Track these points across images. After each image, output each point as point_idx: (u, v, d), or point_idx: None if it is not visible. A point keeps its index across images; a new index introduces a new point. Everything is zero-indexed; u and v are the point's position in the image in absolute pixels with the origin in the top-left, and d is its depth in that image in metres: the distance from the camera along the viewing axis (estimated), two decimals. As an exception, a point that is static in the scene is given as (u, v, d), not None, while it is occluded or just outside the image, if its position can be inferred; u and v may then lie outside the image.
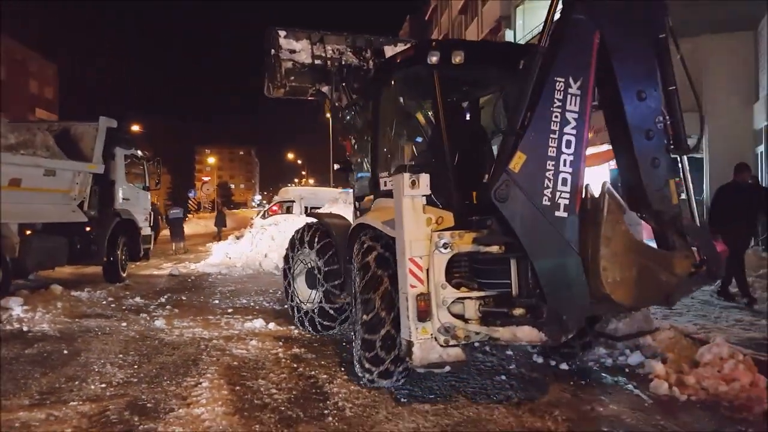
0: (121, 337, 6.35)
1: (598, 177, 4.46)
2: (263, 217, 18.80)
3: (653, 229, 4.25)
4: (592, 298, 3.86)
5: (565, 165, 3.81)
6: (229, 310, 7.98)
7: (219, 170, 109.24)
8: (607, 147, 11.10)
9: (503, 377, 4.77)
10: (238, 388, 4.51)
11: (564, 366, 4.97)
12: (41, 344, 6.01)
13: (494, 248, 3.94)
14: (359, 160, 6.05)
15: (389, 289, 4.24)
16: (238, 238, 16.93)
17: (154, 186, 13.57)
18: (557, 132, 3.80)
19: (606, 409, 4.06)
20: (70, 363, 5.30)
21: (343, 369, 4.99)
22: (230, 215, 31.52)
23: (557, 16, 3.96)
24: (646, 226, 4.31)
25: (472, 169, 4.75)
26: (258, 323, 6.87)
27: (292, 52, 6.44)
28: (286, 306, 8.17)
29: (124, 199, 11.47)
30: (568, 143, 3.82)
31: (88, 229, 10.25)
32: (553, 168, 3.79)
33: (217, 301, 8.82)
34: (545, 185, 3.77)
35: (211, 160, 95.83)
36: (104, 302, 8.70)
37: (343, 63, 6.38)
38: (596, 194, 3.89)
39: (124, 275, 11.32)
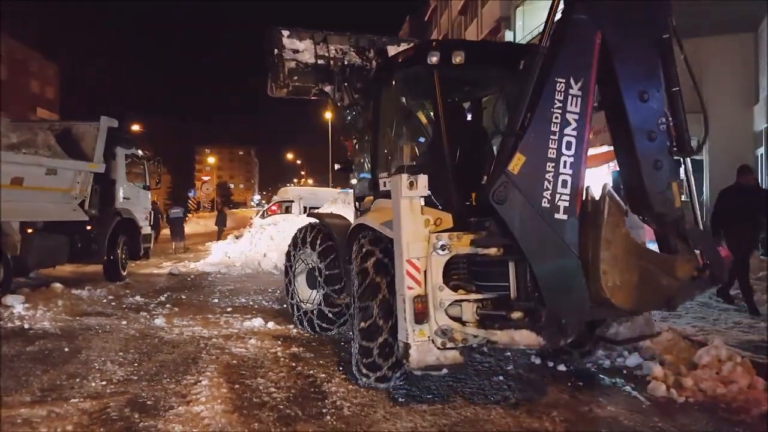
0: (122, 335, 6.37)
1: (597, 178, 4.43)
2: (262, 216, 18.82)
3: (655, 233, 4.22)
4: (591, 302, 3.82)
5: (565, 167, 3.77)
6: (229, 309, 8.00)
7: (219, 170, 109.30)
8: (607, 148, 11.15)
9: (501, 378, 4.79)
10: (237, 386, 4.53)
11: (562, 367, 4.98)
12: (42, 342, 6.04)
13: (492, 250, 3.90)
14: (360, 160, 6.05)
15: (387, 297, 4.20)
16: (237, 237, 16.96)
17: (155, 185, 13.61)
18: (557, 133, 3.76)
19: (603, 410, 4.07)
20: (70, 360, 5.32)
21: (341, 368, 5.01)
22: (230, 215, 31.52)
23: (558, 16, 3.92)
24: (648, 229, 4.27)
25: (472, 170, 4.74)
26: (257, 322, 6.89)
27: (296, 51, 6.43)
28: (285, 305, 8.21)
29: (124, 198, 11.50)
30: (569, 145, 3.78)
31: (88, 227, 10.28)
32: (553, 170, 3.75)
33: (216, 300, 8.85)
34: (545, 187, 3.73)
35: (211, 159, 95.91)
36: (104, 300, 8.73)
37: (346, 63, 6.38)
38: (597, 196, 3.86)
39: (125, 274, 11.34)
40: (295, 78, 6.45)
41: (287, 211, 18.33)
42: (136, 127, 34.59)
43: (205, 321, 7.16)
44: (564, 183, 3.76)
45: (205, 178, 62.39)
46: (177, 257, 16.73)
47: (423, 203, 3.97)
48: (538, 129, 3.75)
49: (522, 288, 3.90)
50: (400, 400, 4.21)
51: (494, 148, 5.04)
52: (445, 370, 3.91)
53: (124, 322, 7.05)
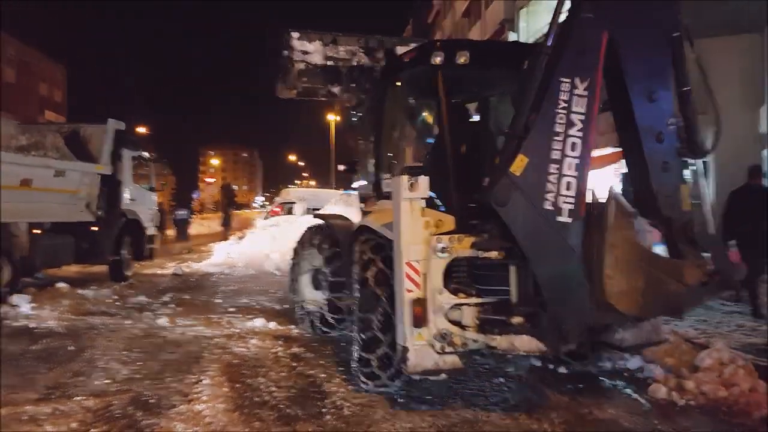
0: (126, 334, 6.42)
1: (603, 180, 4.35)
2: (265, 218, 18.90)
3: (663, 237, 4.07)
4: (595, 307, 3.72)
5: (569, 168, 3.67)
6: (231, 310, 8.04)
7: (222, 172, 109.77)
8: (612, 150, 11.12)
9: (501, 379, 4.80)
10: (238, 385, 4.57)
11: (562, 369, 4.98)
12: (48, 340, 6.10)
13: (493, 254, 3.82)
14: (365, 161, 6.04)
15: (387, 310, 4.12)
16: (240, 238, 17.04)
17: (160, 187, 13.68)
18: (562, 134, 3.68)
19: (604, 412, 4.08)
20: (75, 359, 5.38)
21: (341, 369, 5.03)
22: (234, 216, 31.64)
23: (564, 15, 3.81)
24: (656, 232, 4.13)
25: (477, 172, 4.66)
26: (259, 322, 6.92)
27: (305, 53, 6.43)
28: (286, 306, 8.26)
29: (130, 199, 11.58)
30: (573, 146, 3.69)
31: (94, 228, 10.34)
32: (556, 171, 3.66)
33: (219, 301, 8.89)
34: (548, 189, 3.64)
35: (215, 161, 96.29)
36: (109, 300, 8.78)
37: (355, 64, 6.37)
38: (602, 199, 3.80)
39: (129, 274, 11.40)
40: (304, 79, 6.45)
41: (290, 212, 18.39)
42: (142, 130, 34.79)
43: (207, 321, 7.20)
44: (568, 185, 3.67)
45: (209, 180, 62.57)
46: (181, 258, 16.79)
47: (424, 205, 3.91)
48: (541, 130, 3.67)
49: (523, 292, 3.84)
50: (399, 400, 4.23)
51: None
52: (443, 375, 3.85)
53: (128, 322, 7.10)
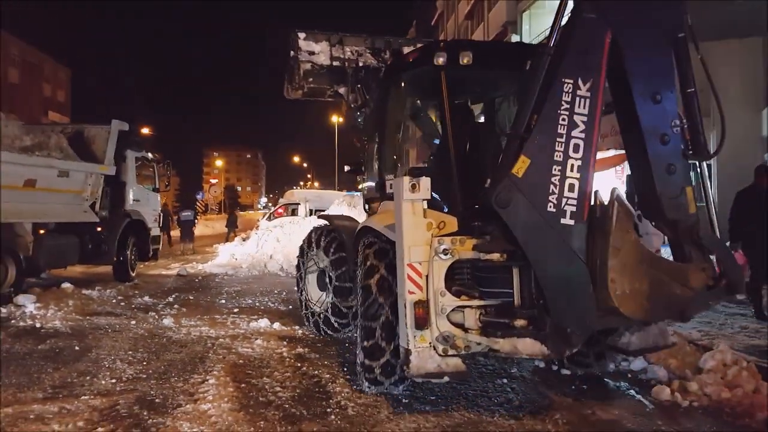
0: (131, 334, 6.46)
1: (605, 182, 4.27)
2: (269, 219, 18.96)
3: (669, 240, 4.06)
4: (599, 310, 3.65)
5: (572, 170, 3.63)
6: (235, 310, 8.08)
7: (226, 173, 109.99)
8: (614, 152, 11.11)
9: (505, 380, 4.81)
10: (243, 385, 4.59)
11: (566, 371, 4.98)
12: (53, 340, 6.14)
13: (495, 256, 3.79)
14: (370, 162, 5.97)
15: (390, 318, 4.09)
16: (244, 239, 17.10)
17: (164, 188, 13.74)
18: (564, 135, 3.63)
19: (607, 413, 4.09)
20: (81, 359, 5.41)
21: (345, 369, 5.06)
22: (239, 217, 31.76)
23: (567, 15, 3.79)
24: (662, 235, 4.14)
25: (481, 173, 4.67)
26: (263, 323, 6.96)
27: (311, 53, 6.43)
28: (291, 306, 8.29)
29: (134, 200, 11.64)
30: (576, 147, 3.64)
31: (99, 229, 10.42)
32: (559, 173, 3.61)
33: (223, 301, 8.93)
34: (550, 191, 3.60)
35: (219, 162, 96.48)
36: (114, 301, 8.84)
37: (361, 64, 6.35)
38: (606, 201, 3.74)
39: (134, 275, 11.48)
40: (311, 80, 6.45)
41: (293, 213, 18.45)
42: (145, 131, 34.89)
43: (212, 321, 7.23)
44: (571, 187, 3.62)
45: (213, 181, 62.69)
46: (185, 259, 16.87)
47: (426, 206, 3.88)
48: (544, 131, 3.62)
49: (526, 295, 3.80)
50: (403, 401, 4.24)
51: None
52: (446, 378, 3.80)
53: (133, 322, 7.14)
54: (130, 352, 5.64)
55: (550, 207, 3.60)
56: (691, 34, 3.94)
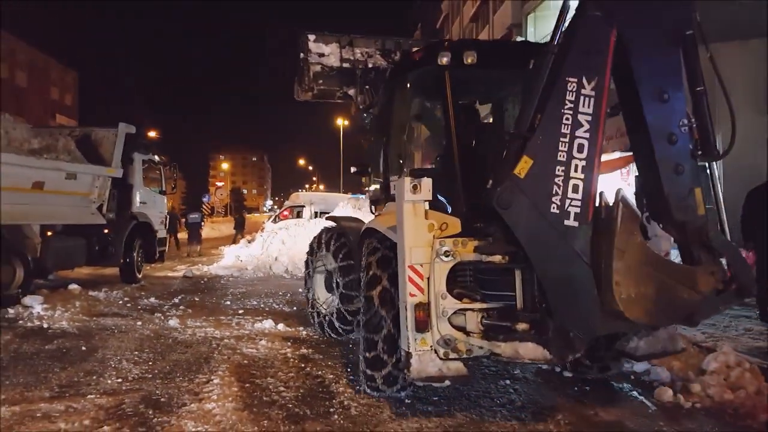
0: (137, 335, 6.52)
1: (610, 185, 4.10)
2: (274, 221, 19.04)
3: (677, 242, 3.95)
4: (603, 314, 3.56)
5: (576, 171, 3.54)
6: (240, 311, 8.14)
7: (232, 176, 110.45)
8: (620, 154, 11.08)
9: (507, 381, 4.83)
10: (247, 385, 4.63)
11: (568, 372, 4.98)
12: (60, 341, 6.20)
13: (497, 258, 3.72)
14: (376, 163, 5.85)
15: (392, 332, 4.05)
16: (249, 241, 17.18)
17: (170, 190, 13.82)
18: (568, 135, 3.55)
19: (609, 414, 4.10)
20: (88, 359, 5.47)
21: (349, 369, 5.09)
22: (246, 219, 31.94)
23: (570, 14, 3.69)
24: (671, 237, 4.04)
25: (487, 174, 4.67)
26: (268, 324, 7.01)
27: (321, 55, 6.42)
28: (295, 308, 8.34)
29: (141, 202, 11.73)
30: (581, 147, 3.56)
31: (106, 231, 10.50)
32: (563, 174, 3.53)
33: (228, 303, 8.98)
34: (554, 192, 3.52)
35: (225, 165, 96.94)
36: (120, 302, 8.91)
37: (371, 66, 6.31)
38: (611, 202, 3.66)
39: (140, 276, 11.57)
40: (320, 81, 6.42)
41: (298, 216, 18.51)
42: (152, 134, 35.13)
43: (217, 322, 7.29)
44: (575, 188, 3.54)
45: (219, 184, 62.94)
46: (191, 261, 16.96)
47: (427, 207, 3.82)
48: (547, 130, 3.54)
49: (528, 298, 3.74)
50: (406, 401, 4.27)
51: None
52: (447, 382, 3.72)
53: (139, 323, 7.20)
54: (136, 353, 5.70)
55: (554, 208, 3.53)
56: (700, 32, 3.83)
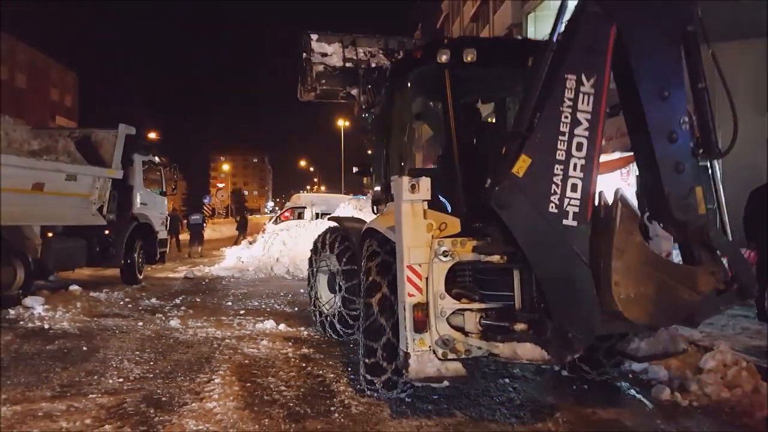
0: (138, 335, 6.55)
1: (610, 185, 3.92)
2: (275, 222, 19.07)
3: (678, 242, 3.90)
4: (602, 315, 3.54)
5: (575, 169, 3.50)
6: (241, 312, 8.16)
7: (233, 177, 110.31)
8: (619, 154, 11.08)
9: (506, 380, 4.86)
10: (248, 384, 4.66)
11: (566, 372, 4.99)
12: (62, 341, 6.23)
13: (495, 258, 3.70)
14: (378, 163, 5.85)
15: (392, 340, 4.04)
16: (250, 243, 17.22)
17: (171, 192, 13.85)
18: (567, 134, 3.49)
19: (607, 412, 4.13)
20: (89, 359, 5.50)
21: (349, 369, 5.12)
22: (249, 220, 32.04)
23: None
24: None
25: (486, 174, 4.67)
26: (269, 324, 7.04)
27: (324, 55, 6.37)
28: (296, 308, 8.37)
29: (141, 203, 11.75)
30: (579, 146, 3.50)
31: (106, 232, 10.52)
32: (561, 173, 3.48)
33: (229, 303, 9.02)
34: (552, 191, 3.47)
35: (226, 167, 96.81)
36: (121, 303, 8.95)
37: (374, 66, 6.25)
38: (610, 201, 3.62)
39: (141, 277, 11.60)
40: (323, 81, 6.38)
41: (300, 217, 18.55)
42: (152, 135, 35.19)
43: (218, 323, 7.32)
44: (574, 187, 3.49)
45: (220, 185, 62.94)
46: (192, 262, 17.00)
47: (426, 207, 3.79)
48: (545, 129, 3.49)
49: (527, 298, 3.72)
50: (406, 399, 4.30)
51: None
52: (446, 383, 3.70)
53: (141, 323, 7.23)
54: (137, 353, 5.73)
55: (552, 207, 3.49)
56: (702, 28, 3.77)
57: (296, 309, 8.42)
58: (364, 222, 6.18)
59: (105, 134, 10.87)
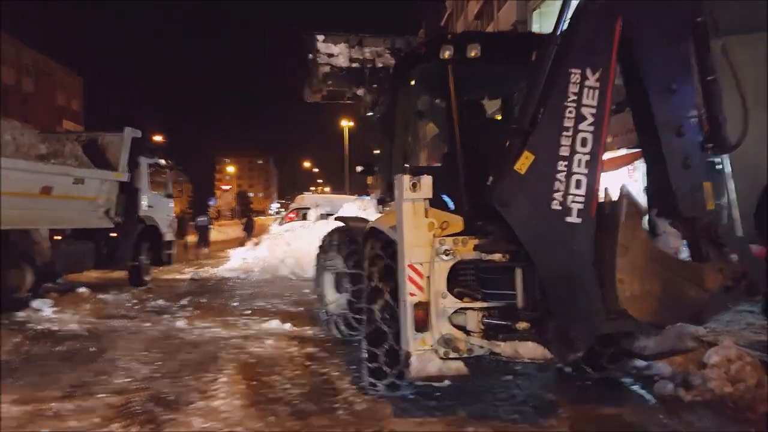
0: (145, 336, 6.62)
1: (616, 182, 3.93)
2: (280, 223, 19.17)
3: (686, 239, 3.79)
4: (607, 313, 3.47)
5: (579, 165, 3.40)
6: (247, 312, 8.22)
7: (238, 179, 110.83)
8: (625, 151, 11.05)
9: (509, 377, 4.89)
10: (254, 383, 4.72)
11: (568, 368, 5.00)
12: (70, 342, 6.31)
13: (497, 256, 3.66)
14: (383, 162, 5.76)
15: (394, 347, 4.03)
16: (256, 244, 17.30)
17: (176, 194, 13.93)
18: (571, 129, 3.40)
19: (609, 408, 4.15)
20: (97, 359, 5.58)
21: (353, 367, 5.15)
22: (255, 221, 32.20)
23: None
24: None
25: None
26: (274, 324, 7.10)
27: (330, 56, 6.34)
28: (301, 308, 8.41)
29: (148, 206, 11.82)
30: (584, 141, 3.41)
31: (113, 234, 10.61)
32: (565, 169, 3.39)
33: (235, 304, 9.08)
34: (556, 188, 3.39)
35: (231, 169, 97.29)
36: (129, 304, 9.02)
37: (380, 66, 6.23)
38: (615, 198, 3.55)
39: (148, 279, 11.66)
40: (329, 82, 6.36)
41: (304, 218, 18.63)
42: (158, 137, 35.39)
43: (224, 323, 7.38)
44: (578, 183, 3.40)
45: (225, 187, 63.20)
46: (198, 263, 17.08)
47: (427, 205, 3.76)
48: (549, 124, 3.42)
49: (529, 297, 3.63)
50: (409, 396, 4.33)
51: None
52: (447, 382, 3.70)
53: (148, 324, 7.30)
54: (145, 353, 5.79)
55: (555, 204, 3.40)
56: (711, 19, 3.67)
57: (301, 309, 8.47)
58: (367, 221, 6.16)
59: (111, 137, 10.95)
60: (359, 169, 6.12)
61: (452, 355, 3.68)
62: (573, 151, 3.42)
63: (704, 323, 3.91)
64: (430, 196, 3.74)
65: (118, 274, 11.72)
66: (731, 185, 3.82)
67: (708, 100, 3.70)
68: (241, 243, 22.02)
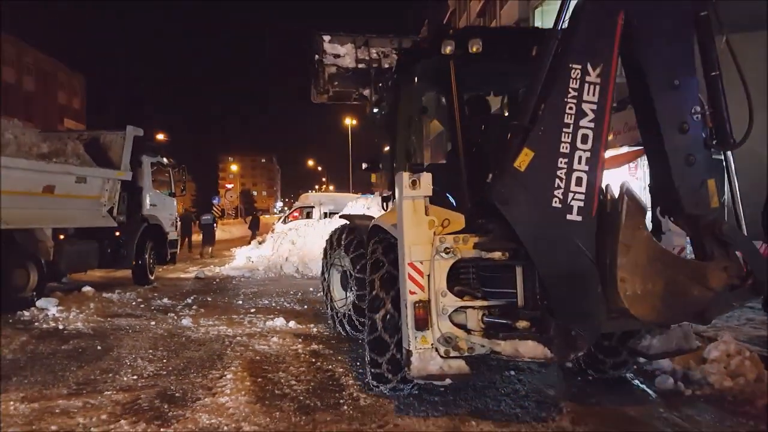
0: (151, 334, 6.67)
1: (618, 180, 3.76)
2: (284, 222, 19.23)
3: (689, 237, 3.77)
4: (608, 312, 3.46)
5: (580, 162, 3.36)
6: (252, 310, 8.28)
7: (242, 177, 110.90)
8: (627, 149, 11.06)
9: (512, 372, 4.94)
10: (259, 379, 4.77)
11: (569, 363, 5.04)
12: (76, 341, 6.37)
13: (497, 254, 3.62)
14: (387, 159, 5.71)
15: (396, 356, 4.04)
16: (260, 243, 17.37)
17: (180, 193, 13.97)
18: (572, 125, 3.36)
19: (611, 402, 4.20)
20: (103, 357, 5.63)
21: (358, 363, 5.21)
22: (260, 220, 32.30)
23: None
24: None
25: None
26: (279, 322, 7.15)
27: (336, 56, 6.31)
28: (306, 306, 8.47)
29: (151, 205, 11.87)
30: (585, 138, 3.37)
31: (117, 233, 10.67)
32: (565, 166, 3.36)
33: (240, 302, 9.13)
34: (556, 185, 3.36)
35: (234, 167, 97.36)
36: (134, 303, 9.09)
37: (387, 66, 6.17)
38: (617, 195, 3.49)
39: (152, 278, 11.72)
40: (336, 83, 6.36)
41: (308, 216, 18.69)
42: (160, 136, 35.44)
43: (229, 321, 7.44)
44: (578, 181, 3.37)
45: (229, 186, 63.25)
46: (203, 262, 17.16)
47: (428, 203, 3.73)
48: (549, 121, 3.37)
49: (529, 295, 3.63)
50: (413, 392, 4.37)
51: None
52: (448, 381, 3.66)
53: (153, 323, 7.36)
54: (151, 351, 5.85)
55: (555, 202, 3.37)
56: (715, 13, 3.62)
57: (305, 307, 8.53)
58: (372, 218, 6.13)
59: (113, 136, 10.98)
60: (364, 166, 6.06)
61: (453, 353, 3.66)
62: (573, 148, 3.38)
63: (708, 322, 3.81)
64: (431, 193, 3.72)
65: (123, 273, 11.80)
66: (735, 183, 3.79)
67: (712, 96, 3.66)
68: (248, 241, 22.11)
